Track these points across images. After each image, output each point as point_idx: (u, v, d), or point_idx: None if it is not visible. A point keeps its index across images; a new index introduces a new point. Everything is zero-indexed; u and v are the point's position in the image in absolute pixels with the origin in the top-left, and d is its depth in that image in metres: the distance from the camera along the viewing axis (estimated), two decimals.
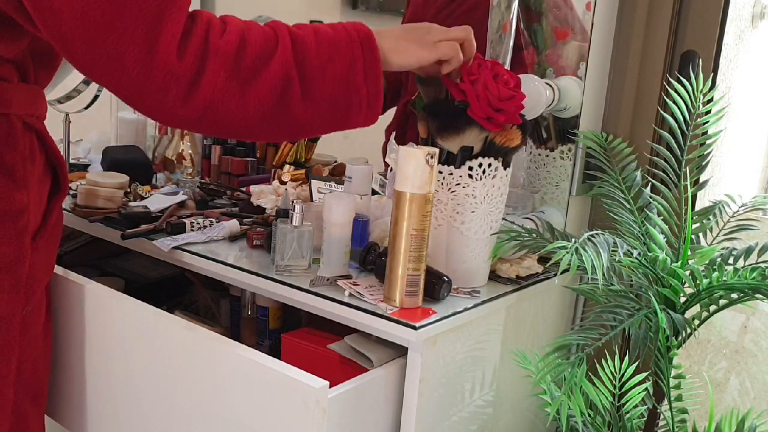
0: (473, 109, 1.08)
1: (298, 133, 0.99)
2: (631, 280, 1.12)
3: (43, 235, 1.08)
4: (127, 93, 0.89)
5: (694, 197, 1.19)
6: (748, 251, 1.12)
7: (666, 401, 1.15)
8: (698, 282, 1.05)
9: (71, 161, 1.74)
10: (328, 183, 1.42)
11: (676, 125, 1.15)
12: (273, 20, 0.97)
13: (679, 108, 1.15)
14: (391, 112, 1.96)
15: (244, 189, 1.61)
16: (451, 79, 1.11)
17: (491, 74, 1.09)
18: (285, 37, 0.93)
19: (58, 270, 1.28)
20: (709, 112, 1.17)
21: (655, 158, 1.23)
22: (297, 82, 0.92)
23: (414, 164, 1.02)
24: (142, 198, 1.51)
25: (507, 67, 1.39)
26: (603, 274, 0.95)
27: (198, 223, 1.35)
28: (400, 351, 1.08)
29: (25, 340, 1.09)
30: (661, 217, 1.17)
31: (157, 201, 1.49)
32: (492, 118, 1.08)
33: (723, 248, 1.15)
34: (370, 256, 1.17)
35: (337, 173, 1.61)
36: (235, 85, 0.89)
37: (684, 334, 1.10)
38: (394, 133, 1.86)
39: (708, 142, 1.16)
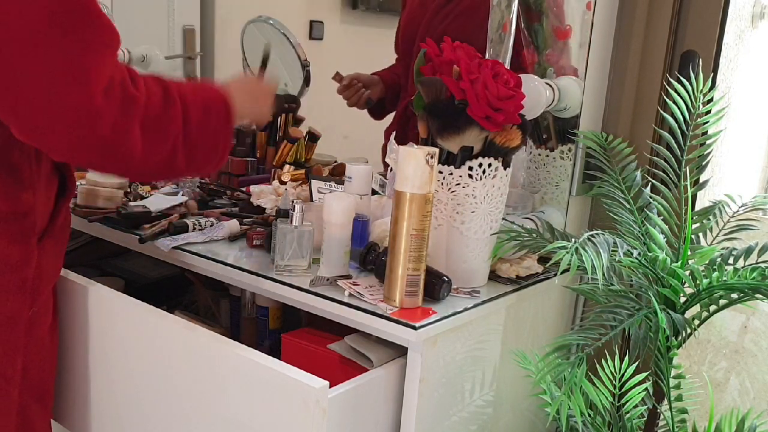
0: (472, 108, 1.08)
1: (172, 176, 1.23)
2: (631, 280, 1.12)
3: (50, 236, 1.08)
4: (52, 125, 0.91)
5: (694, 197, 1.19)
6: (748, 251, 1.12)
7: (666, 401, 1.15)
8: (698, 282, 1.05)
9: None
10: (328, 183, 1.42)
11: (676, 125, 1.15)
12: (156, 76, 1.03)
13: (679, 108, 1.15)
14: (391, 114, 1.97)
15: (244, 189, 1.61)
16: (451, 78, 1.11)
17: (491, 73, 1.09)
18: (174, 91, 1.00)
19: None
20: (709, 112, 1.17)
21: (655, 158, 1.23)
22: (182, 136, 1.00)
23: (414, 164, 1.02)
24: (142, 198, 1.51)
25: (507, 66, 1.39)
26: (603, 274, 0.95)
27: (200, 224, 1.35)
28: (400, 351, 1.08)
29: (31, 341, 1.09)
30: (661, 217, 1.17)
31: (157, 201, 1.49)
32: (491, 117, 1.08)
33: (723, 248, 1.15)
34: (370, 256, 1.17)
35: (337, 173, 1.61)
36: (139, 131, 0.95)
37: (684, 334, 1.10)
38: (394, 134, 1.86)
39: (708, 142, 1.16)
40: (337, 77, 1.90)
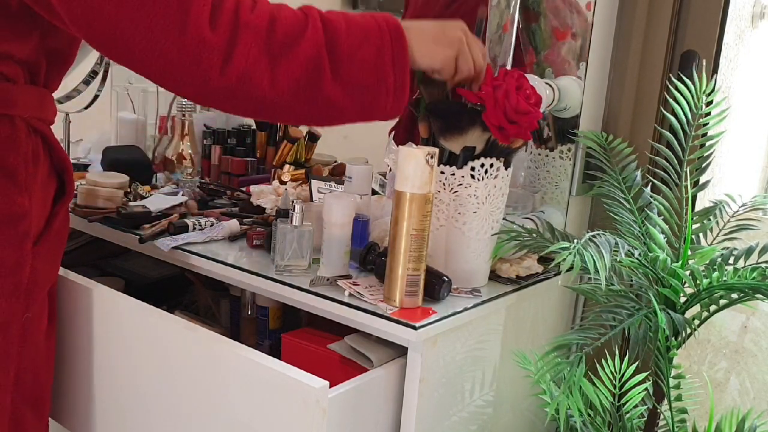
0: (487, 114, 1.08)
1: (329, 115, 0.99)
2: (631, 280, 1.12)
3: (46, 241, 1.06)
4: (158, 69, 0.88)
5: (695, 197, 1.19)
6: (748, 251, 1.12)
7: (666, 401, 1.15)
8: (698, 282, 1.05)
9: (71, 161, 1.74)
10: (328, 183, 1.42)
11: (678, 125, 1.15)
12: (305, 4, 0.97)
13: (681, 108, 1.15)
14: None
15: (244, 189, 1.61)
16: (466, 89, 1.10)
17: (515, 84, 1.09)
18: (316, 18, 0.94)
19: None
20: (710, 113, 1.16)
21: (656, 158, 1.23)
22: (327, 62, 0.92)
23: (414, 164, 1.02)
24: (142, 198, 1.51)
25: (508, 66, 1.39)
26: (605, 275, 0.94)
27: (200, 224, 1.35)
28: (400, 351, 1.08)
29: (25, 347, 1.07)
30: (662, 217, 1.17)
31: (157, 201, 1.49)
32: (504, 128, 1.08)
33: (723, 248, 1.15)
34: (370, 256, 1.17)
35: (337, 173, 1.61)
36: (266, 60, 0.89)
37: (684, 334, 1.09)
38: (393, 134, 1.86)
39: (709, 143, 1.16)
40: None
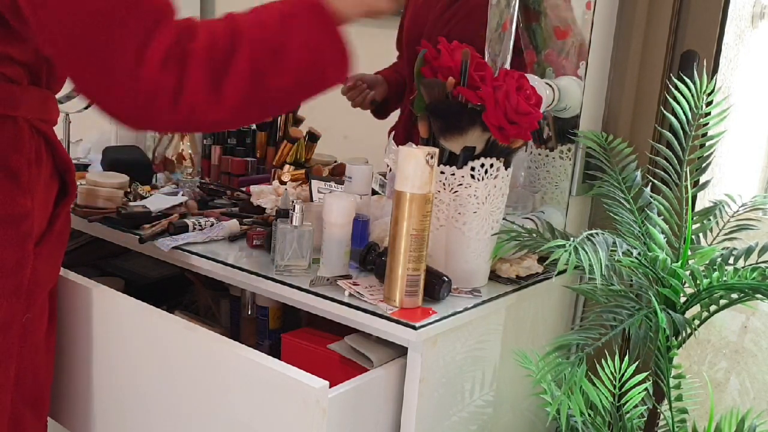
0: (488, 115, 1.08)
1: (282, 105, 1.04)
2: (631, 280, 1.12)
3: (48, 241, 1.07)
4: (115, 106, 0.90)
5: (695, 197, 1.19)
6: (748, 251, 1.12)
7: (666, 401, 1.15)
8: (698, 282, 1.05)
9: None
10: (328, 183, 1.42)
11: (678, 125, 1.15)
12: (227, 13, 0.98)
13: (681, 108, 1.15)
14: (393, 115, 1.96)
15: (244, 189, 1.61)
16: (466, 89, 1.11)
17: (516, 85, 1.09)
18: (240, 24, 0.94)
19: None
20: (710, 113, 1.16)
21: (656, 158, 1.23)
22: (266, 63, 0.93)
23: (414, 164, 1.02)
24: (142, 198, 1.51)
25: (507, 66, 1.39)
26: (601, 273, 0.94)
27: (200, 224, 1.35)
28: (400, 351, 1.08)
29: (25, 347, 1.07)
30: (662, 217, 1.17)
31: (157, 201, 1.49)
32: (504, 128, 1.08)
33: (723, 248, 1.15)
34: (370, 256, 1.17)
35: (337, 173, 1.61)
36: (211, 85, 0.90)
37: (684, 334, 1.09)
38: (393, 133, 1.86)
39: (709, 143, 1.16)
40: None
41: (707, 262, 1.10)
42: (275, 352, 1.24)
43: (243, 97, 0.93)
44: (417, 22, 1.85)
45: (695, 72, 1.18)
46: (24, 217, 1.01)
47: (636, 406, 1.16)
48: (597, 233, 1.01)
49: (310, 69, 0.97)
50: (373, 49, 2.02)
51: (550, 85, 1.30)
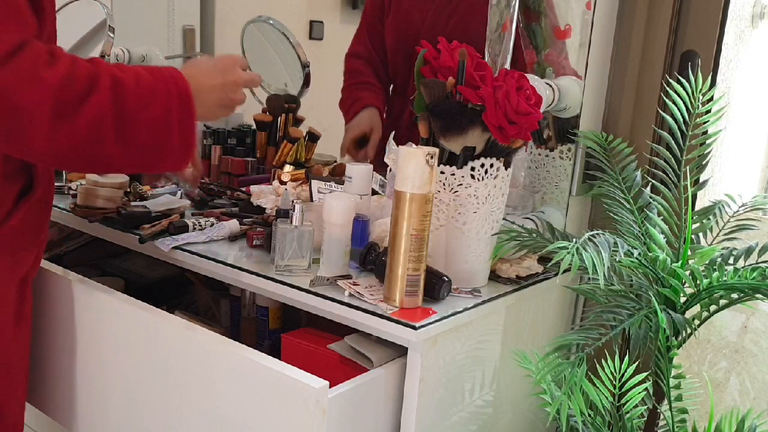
0: (488, 115, 1.08)
1: (106, 169, 1.05)
2: (631, 280, 1.12)
3: (2, 234, 1.04)
4: None
5: (694, 197, 1.19)
6: (748, 251, 1.12)
7: (666, 401, 1.15)
8: (698, 282, 1.05)
9: None
10: (328, 183, 1.42)
11: (675, 125, 1.15)
12: (95, 58, 0.97)
13: (678, 108, 1.15)
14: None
15: (244, 189, 1.61)
16: (467, 88, 1.11)
17: (516, 85, 1.09)
18: (105, 76, 0.93)
19: (58, 270, 1.28)
20: (708, 111, 1.17)
21: (655, 158, 1.23)
22: (112, 123, 0.93)
23: (414, 164, 1.02)
24: (142, 198, 1.51)
25: (507, 66, 1.39)
26: (604, 274, 0.94)
27: (200, 224, 1.35)
28: (400, 351, 1.08)
29: None
30: (661, 217, 1.17)
31: (157, 201, 1.49)
32: (504, 128, 1.08)
33: (723, 248, 1.15)
34: (370, 256, 1.17)
35: (337, 173, 1.61)
36: (51, 122, 0.89)
37: (684, 334, 1.10)
38: (393, 133, 1.86)
39: (708, 141, 1.16)
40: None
41: (707, 262, 1.10)
42: (275, 352, 1.24)
43: (75, 146, 0.91)
44: (410, 21, 1.85)
45: (690, 72, 1.18)
46: None
47: (636, 406, 1.16)
48: (598, 234, 1.01)
49: (150, 150, 0.97)
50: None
51: (550, 85, 1.30)
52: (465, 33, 1.46)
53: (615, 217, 1.20)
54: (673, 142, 1.16)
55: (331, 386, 0.96)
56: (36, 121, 0.88)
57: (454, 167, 1.12)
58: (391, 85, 1.97)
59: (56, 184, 1.52)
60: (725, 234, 1.21)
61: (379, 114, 1.87)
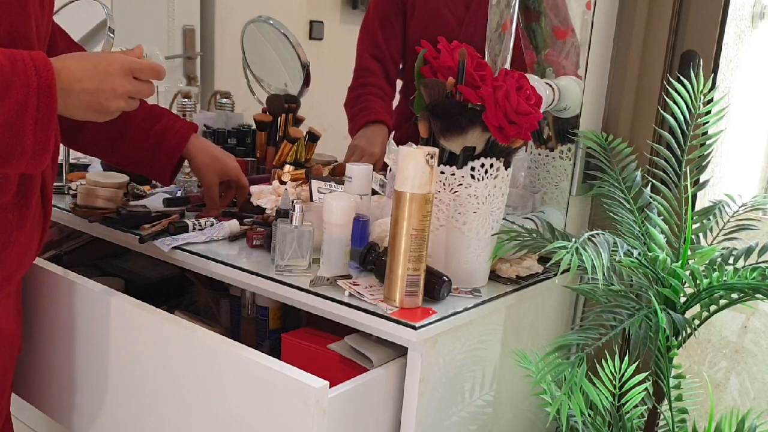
0: (487, 115, 1.08)
1: None
2: (631, 280, 1.12)
3: None
4: None
5: (694, 197, 1.19)
6: (748, 251, 1.12)
7: (666, 401, 1.15)
8: (698, 282, 1.05)
9: (71, 161, 1.75)
10: (328, 183, 1.42)
11: (676, 125, 1.15)
12: None
13: (679, 108, 1.15)
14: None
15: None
16: (467, 88, 1.11)
17: (516, 85, 1.09)
18: None
19: (58, 270, 1.28)
20: (709, 112, 1.17)
21: (655, 158, 1.23)
22: None
23: (414, 164, 1.02)
24: (142, 198, 1.51)
25: (507, 66, 1.39)
26: (603, 274, 0.94)
27: (200, 224, 1.35)
28: (400, 351, 1.08)
29: None
30: (661, 217, 1.17)
31: (157, 201, 1.49)
32: (504, 128, 1.08)
33: (723, 248, 1.15)
34: (370, 256, 1.17)
35: (337, 173, 1.61)
36: None
37: (684, 334, 1.10)
38: (393, 133, 1.86)
39: (708, 142, 1.17)
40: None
41: (707, 262, 1.10)
42: (275, 352, 1.24)
43: None
44: (442, 21, 1.82)
45: (692, 72, 1.18)
46: None
47: (636, 406, 1.16)
48: (598, 233, 1.01)
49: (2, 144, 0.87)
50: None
51: (550, 85, 1.30)
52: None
53: (615, 217, 1.21)
54: (673, 142, 1.16)
55: (331, 386, 0.96)
56: None
57: (454, 167, 1.12)
58: (402, 85, 1.95)
59: (56, 184, 1.54)
60: (725, 234, 1.21)
61: (388, 133, 1.86)
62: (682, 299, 1.09)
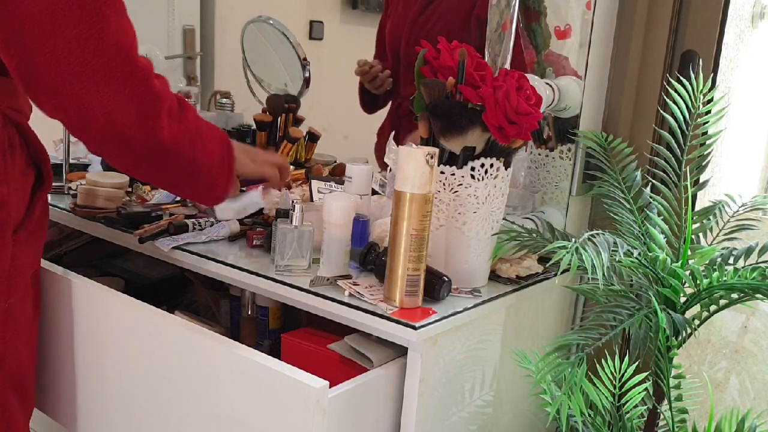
0: (487, 115, 1.08)
1: (151, 180, 1.13)
2: (631, 280, 1.12)
3: (27, 228, 1.08)
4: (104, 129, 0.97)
5: (694, 197, 1.19)
6: (748, 251, 1.12)
7: (666, 401, 1.15)
8: (698, 282, 1.05)
9: (71, 161, 1.74)
10: (328, 183, 1.42)
11: (676, 125, 1.15)
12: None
13: (679, 108, 1.15)
14: (381, 115, 1.95)
15: (244, 189, 1.61)
16: (467, 86, 1.11)
17: (516, 85, 1.09)
18: (189, 109, 1.06)
19: (58, 270, 1.28)
20: (709, 112, 1.17)
21: (655, 158, 1.23)
22: (198, 139, 1.06)
23: (414, 164, 1.02)
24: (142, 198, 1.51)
25: (507, 66, 1.39)
26: (603, 274, 0.94)
27: (200, 224, 1.35)
28: (400, 351, 1.08)
29: (8, 332, 1.08)
30: (661, 217, 1.17)
31: (156, 201, 1.48)
32: (504, 128, 1.08)
33: (723, 248, 1.15)
34: (370, 256, 1.17)
35: (337, 173, 1.61)
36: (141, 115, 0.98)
37: (684, 334, 1.10)
38: (393, 133, 1.85)
39: (708, 142, 1.16)
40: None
41: (707, 262, 1.10)
42: (275, 352, 1.24)
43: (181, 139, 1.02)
44: (398, 24, 1.84)
45: (692, 72, 1.18)
46: (1, 205, 1.02)
47: (636, 406, 1.16)
48: (598, 233, 1.01)
49: (207, 170, 1.08)
50: (373, 51, 2.02)
51: (550, 85, 1.30)
52: (448, 32, 1.45)
53: (615, 217, 1.21)
54: (673, 141, 1.16)
55: (331, 386, 0.96)
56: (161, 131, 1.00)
57: (454, 167, 1.12)
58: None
59: (56, 184, 1.54)
60: (725, 234, 1.21)
61: None
62: (682, 299, 1.09)
